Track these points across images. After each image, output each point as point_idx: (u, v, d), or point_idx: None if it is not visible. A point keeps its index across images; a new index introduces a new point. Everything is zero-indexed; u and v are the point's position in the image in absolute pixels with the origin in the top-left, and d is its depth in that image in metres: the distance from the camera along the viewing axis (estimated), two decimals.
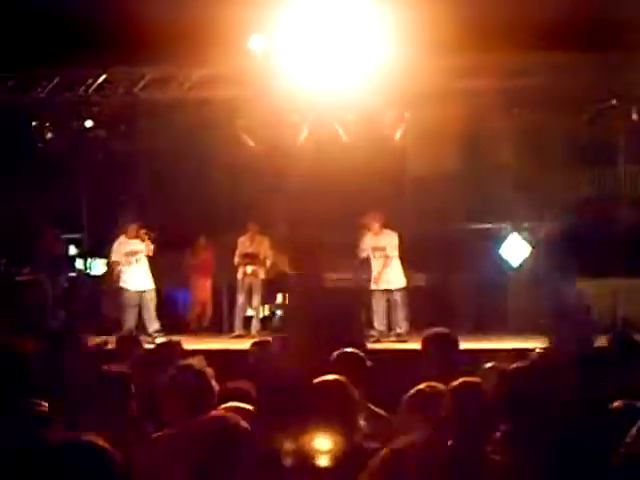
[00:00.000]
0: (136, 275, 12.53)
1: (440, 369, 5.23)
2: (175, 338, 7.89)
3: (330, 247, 12.10)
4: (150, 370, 5.92)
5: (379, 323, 12.33)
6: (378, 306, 12.38)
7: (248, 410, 4.21)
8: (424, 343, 5.69)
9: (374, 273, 12.41)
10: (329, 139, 12.52)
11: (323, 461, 3.85)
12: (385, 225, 12.50)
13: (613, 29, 10.80)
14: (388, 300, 12.41)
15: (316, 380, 4.27)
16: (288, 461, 3.82)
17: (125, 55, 12.36)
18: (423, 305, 12.57)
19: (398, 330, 12.26)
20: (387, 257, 12.37)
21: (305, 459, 3.83)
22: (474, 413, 3.96)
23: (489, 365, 5.17)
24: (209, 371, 4.81)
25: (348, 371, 4.75)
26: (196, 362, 5.03)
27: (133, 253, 12.55)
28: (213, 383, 4.67)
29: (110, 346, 7.92)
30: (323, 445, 3.87)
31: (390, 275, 12.40)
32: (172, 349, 6.92)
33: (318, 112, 12.30)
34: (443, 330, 5.75)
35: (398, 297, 12.37)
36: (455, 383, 4.10)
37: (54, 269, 13.37)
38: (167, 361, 5.82)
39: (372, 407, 5.05)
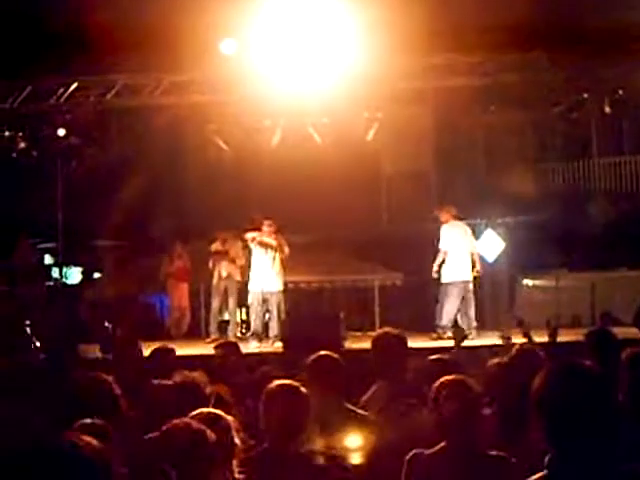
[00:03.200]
0: None
1: (391, 367, 5.42)
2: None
3: (305, 247, 12.13)
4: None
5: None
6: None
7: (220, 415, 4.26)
8: (374, 342, 5.73)
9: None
10: (302, 141, 12.55)
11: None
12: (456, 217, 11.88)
13: (583, 25, 10.90)
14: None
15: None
16: None
17: (96, 63, 12.34)
18: (400, 303, 12.55)
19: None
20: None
21: None
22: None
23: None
24: (208, 389, 4.88)
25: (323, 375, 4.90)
26: (197, 376, 5.03)
27: None
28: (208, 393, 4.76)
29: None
30: None
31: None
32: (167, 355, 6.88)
33: (291, 115, 12.33)
34: (393, 330, 5.80)
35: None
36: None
37: (30, 279, 13.28)
38: (162, 367, 5.95)
39: (351, 407, 5.07)
